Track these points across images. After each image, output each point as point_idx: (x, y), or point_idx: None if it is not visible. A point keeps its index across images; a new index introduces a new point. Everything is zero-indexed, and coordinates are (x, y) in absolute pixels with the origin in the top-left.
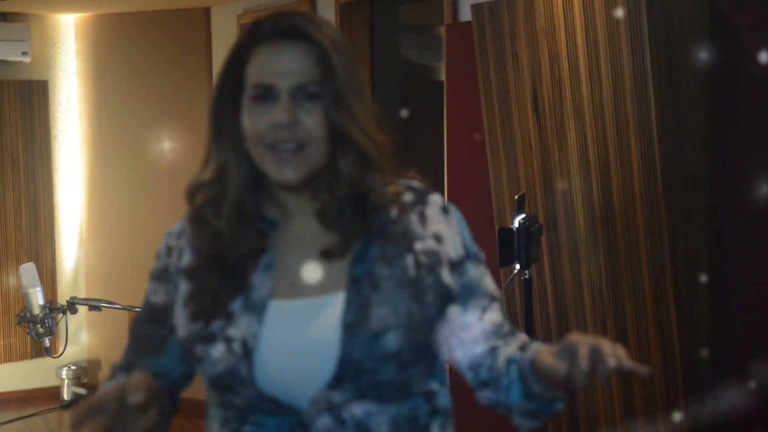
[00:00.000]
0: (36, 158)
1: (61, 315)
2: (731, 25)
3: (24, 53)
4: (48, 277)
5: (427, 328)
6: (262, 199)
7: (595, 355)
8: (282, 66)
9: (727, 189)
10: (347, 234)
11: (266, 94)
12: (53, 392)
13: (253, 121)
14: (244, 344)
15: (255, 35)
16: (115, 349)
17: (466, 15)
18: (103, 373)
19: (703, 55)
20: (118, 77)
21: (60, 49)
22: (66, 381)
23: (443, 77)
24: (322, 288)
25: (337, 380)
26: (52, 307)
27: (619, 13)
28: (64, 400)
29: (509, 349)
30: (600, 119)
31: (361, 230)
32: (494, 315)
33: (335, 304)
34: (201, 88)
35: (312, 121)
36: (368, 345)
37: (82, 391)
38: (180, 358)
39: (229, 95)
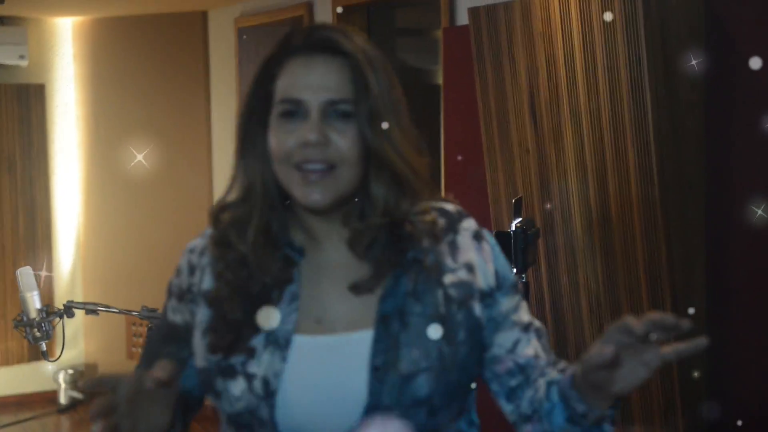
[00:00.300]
0: (33, 162)
1: (58, 319)
2: (727, 29)
3: (21, 56)
4: (45, 281)
5: (458, 369)
6: (290, 224)
7: (655, 323)
8: (313, 80)
9: (723, 193)
10: (379, 266)
11: (295, 110)
12: (50, 396)
13: (280, 138)
14: (266, 383)
15: (285, 48)
16: (112, 353)
17: (463, 18)
18: None
19: (699, 59)
20: (115, 81)
21: (57, 52)
22: (63, 385)
23: (440, 81)
24: (350, 324)
25: None
26: (49, 311)
27: (616, 17)
28: (61, 405)
29: (549, 376)
30: (597, 123)
31: (394, 263)
32: (529, 348)
33: (363, 343)
34: (198, 91)
35: (343, 141)
36: (397, 390)
37: (79, 395)
38: (197, 383)
39: (258, 112)
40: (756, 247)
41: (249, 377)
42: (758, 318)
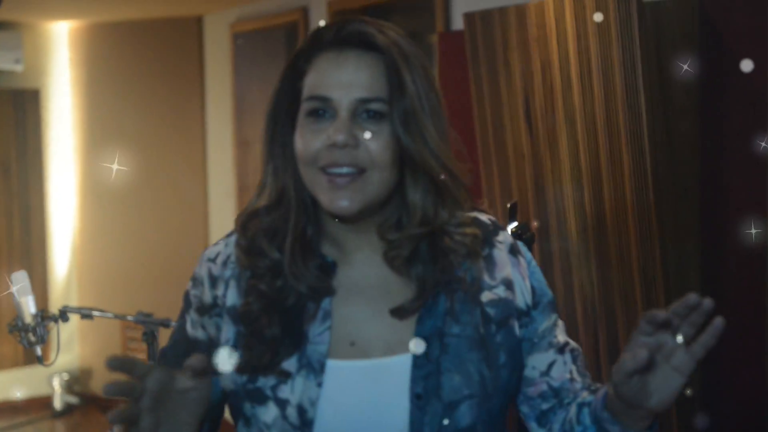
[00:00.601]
0: (28, 166)
1: (53, 323)
2: (721, 33)
3: (16, 61)
4: (40, 286)
5: (500, 393)
6: (320, 235)
7: (677, 308)
8: (343, 77)
9: (718, 197)
10: (423, 285)
11: (323, 109)
12: (45, 401)
13: (306, 139)
14: (302, 411)
15: (315, 43)
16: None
17: (458, 24)
18: (95, 381)
19: (693, 63)
20: (111, 86)
21: (53, 57)
22: (58, 390)
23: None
24: (386, 348)
25: None
26: (44, 315)
27: (611, 22)
28: (56, 409)
29: (581, 398)
30: (591, 128)
31: (437, 280)
32: (564, 371)
33: (401, 368)
34: (194, 96)
35: (375, 143)
36: (440, 420)
37: (74, 399)
38: (216, 404)
39: (286, 112)
40: (751, 252)
41: (281, 403)
42: (755, 320)
